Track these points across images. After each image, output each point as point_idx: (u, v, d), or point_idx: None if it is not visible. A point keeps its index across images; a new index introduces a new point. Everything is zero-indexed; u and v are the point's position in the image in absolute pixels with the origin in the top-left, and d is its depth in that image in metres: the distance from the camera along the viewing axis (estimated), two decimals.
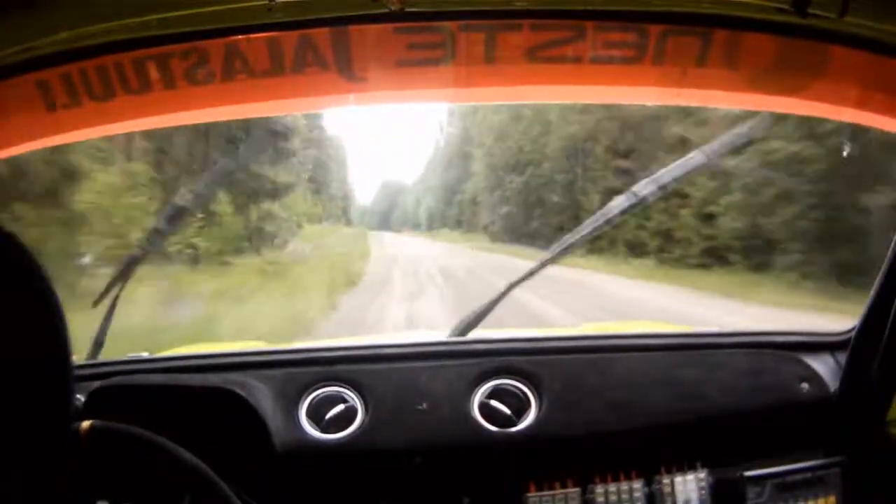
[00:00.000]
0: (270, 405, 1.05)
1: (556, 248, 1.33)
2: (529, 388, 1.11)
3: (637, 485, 1.07)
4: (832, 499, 1.11)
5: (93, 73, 0.90)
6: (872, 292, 1.08)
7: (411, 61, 0.92)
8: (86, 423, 0.82)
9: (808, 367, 1.16)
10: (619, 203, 1.28)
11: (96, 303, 1.34)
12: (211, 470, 0.82)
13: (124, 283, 1.35)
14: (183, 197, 1.40)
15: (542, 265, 1.34)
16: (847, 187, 8.87)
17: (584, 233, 1.30)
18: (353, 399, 1.08)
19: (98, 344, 1.31)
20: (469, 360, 1.15)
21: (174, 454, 0.81)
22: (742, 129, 1.30)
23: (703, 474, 1.09)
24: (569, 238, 1.32)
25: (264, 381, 1.08)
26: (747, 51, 0.91)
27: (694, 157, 1.28)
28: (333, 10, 0.87)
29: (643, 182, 1.28)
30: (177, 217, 1.41)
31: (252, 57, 0.91)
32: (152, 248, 1.41)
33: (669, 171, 1.28)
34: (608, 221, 1.28)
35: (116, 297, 1.34)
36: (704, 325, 2.81)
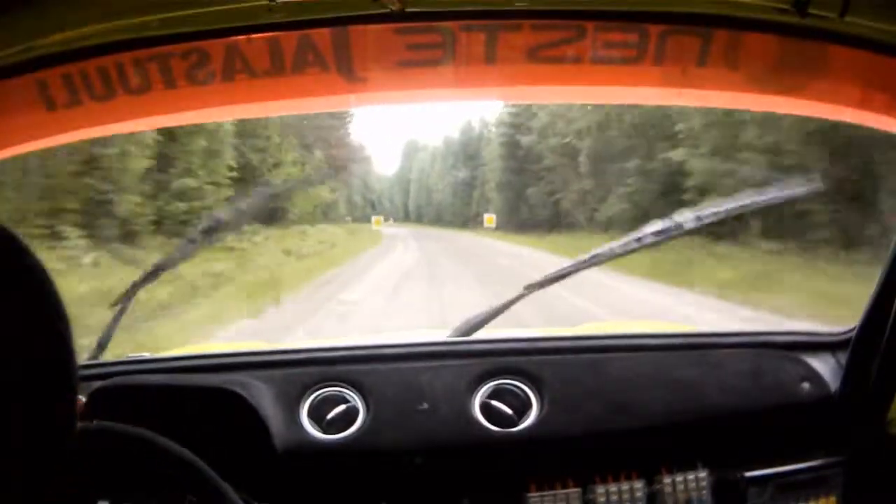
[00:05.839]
0: (271, 405, 1.04)
1: (584, 259, 1.31)
2: (530, 388, 1.10)
3: (638, 485, 1.07)
4: (833, 499, 1.11)
5: (93, 73, 0.90)
6: (873, 292, 1.08)
7: (412, 61, 0.92)
8: (88, 424, 0.80)
9: (809, 367, 1.16)
10: (654, 227, 1.29)
11: (115, 304, 1.31)
12: (213, 471, 0.81)
13: (143, 287, 1.33)
14: (225, 212, 1.38)
15: (563, 274, 1.32)
16: None
17: (614, 250, 1.29)
18: (354, 399, 1.08)
19: (101, 345, 1.29)
20: (470, 360, 1.15)
21: (174, 453, 0.80)
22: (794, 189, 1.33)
23: (703, 474, 1.09)
24: (598, 252, 1.31)
25: (265, 381, 1.08)
26: (747, 51, 0.91)
27: (742, 199, 1.30)
28: (334, 11, 0.87)
29: (684, 212, 1.29)
30: (213, 231, 1.39)
31: (252, 57, 0.91)
32: (181, 258, 1.39)
33: (713, 207, 1.29)
34: (639, 241, 1.28)
35: (129, 302, 1.32)
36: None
